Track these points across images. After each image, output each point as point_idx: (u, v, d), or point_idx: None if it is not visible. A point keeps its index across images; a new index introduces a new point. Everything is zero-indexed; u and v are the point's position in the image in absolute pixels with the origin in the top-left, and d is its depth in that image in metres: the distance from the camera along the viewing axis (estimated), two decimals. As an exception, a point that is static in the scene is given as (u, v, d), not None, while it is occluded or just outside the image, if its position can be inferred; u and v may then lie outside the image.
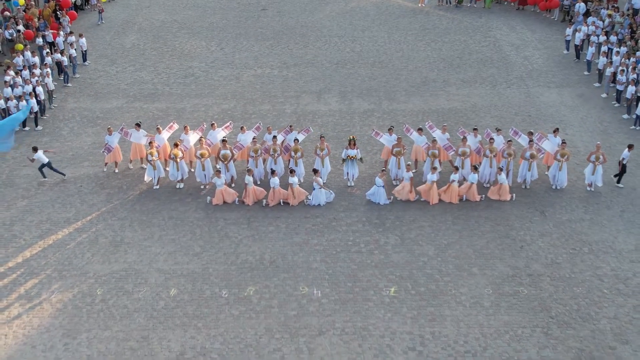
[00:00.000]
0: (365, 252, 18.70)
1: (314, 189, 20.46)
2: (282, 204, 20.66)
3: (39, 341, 15.82)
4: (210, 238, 19.31)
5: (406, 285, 17.49)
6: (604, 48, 29.03)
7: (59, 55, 28.86)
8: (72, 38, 30.40)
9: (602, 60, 27.92)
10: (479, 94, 27.94)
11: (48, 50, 29.78)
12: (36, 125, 25.35)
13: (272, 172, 20.59)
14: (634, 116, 24.95)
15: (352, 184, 21.67)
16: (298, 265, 18.22)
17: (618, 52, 27.92)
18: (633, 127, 24.86)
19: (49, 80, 26.65)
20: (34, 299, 17.09)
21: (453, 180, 20.48)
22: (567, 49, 31.49)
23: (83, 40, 30.50)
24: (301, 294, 17.21)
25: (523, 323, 16.24)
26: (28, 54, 28.62)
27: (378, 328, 16.11)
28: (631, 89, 25.17)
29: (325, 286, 17.46)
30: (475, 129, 22.08)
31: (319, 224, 19.91)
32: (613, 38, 30.07)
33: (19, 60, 27.97)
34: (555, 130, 22.05)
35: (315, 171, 20.51)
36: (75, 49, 29.70)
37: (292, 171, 20.43)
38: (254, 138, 21.76)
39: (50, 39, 31.09)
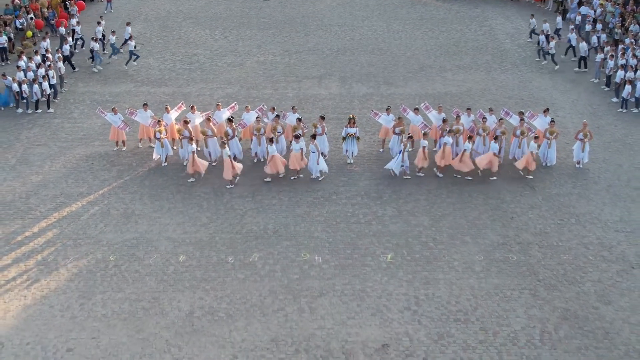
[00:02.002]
0: (364, 223, 19.72)
1: (312, 152, 21.37)
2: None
3: (56, 302, 16.83)
4: (217, 210, 20.34)
5: (402, 252, 18.51)
6: (593, 39, 30.04)
7: (94, 43, 29.88)
8: (100, 28, 31.46)
9: (583, 45, 29.02)
10: (474, 79, 28.98)
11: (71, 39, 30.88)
12: (48, 108, 26.38)
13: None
14: (621, 99, 25.97)
15: (352, 161, 22.69)
16: (300, 234, 19.24)
17: (607, 42, 28.98)
18: (620, 109, 25.88)
19: (60, 64, 27.68)
20: (50, 265, 18.11)
21: (465, 150, 21.49)
22: (559, 36, 32.47)
23: (100, 28, 31.45)
24: (303, 259, 18.23)
25: (512, 286, 17.25)
26: (48, 40, 29.60)
27: (375, 290, 17.12)
28: (620, 73, 26.17)
29: (326, 253, 18.48)
30: (468, 109, 23.13)
31: (320, 197, 20.94)
32: (599, 26, 31.10)
33: (44, 44, 29.09)
34: (546, 110, 23.06)
35: (313, 136, 21.38)
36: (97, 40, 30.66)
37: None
38: (257, 117, 22.76)
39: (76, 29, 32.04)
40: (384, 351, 15.24)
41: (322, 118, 22.55)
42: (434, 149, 22.64)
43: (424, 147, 21.38)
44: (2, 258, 18.34)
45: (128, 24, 31.81)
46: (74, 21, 32.55)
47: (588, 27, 31.27)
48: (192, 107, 23.38)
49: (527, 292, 17.01)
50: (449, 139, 21.56)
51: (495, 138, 21.40)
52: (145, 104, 23.59)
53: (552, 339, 15.52)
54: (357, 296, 16.92)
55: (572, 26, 31.59)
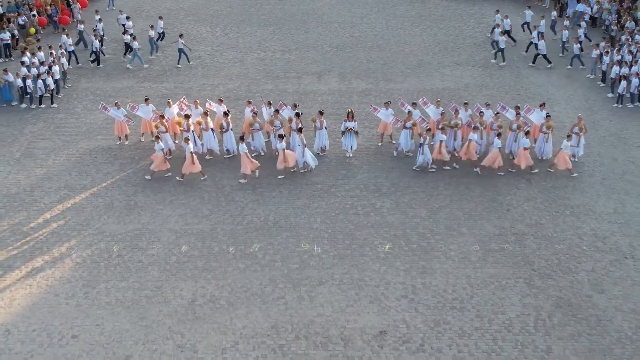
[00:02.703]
0: (362, 214, 20.09)
1: (298, 145, 21.67)
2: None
3: (61, 290, 17.21)
4: (218, 202, 20.71)
5: (400, 242, 18.88)
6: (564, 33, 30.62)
7: (129, 38, 30.43)
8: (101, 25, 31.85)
9: (542, 43, 29.55)
10: (471, 75, 29.36)
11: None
12: (52, 103, 26.74)
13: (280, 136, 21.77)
14: (617, 94, 26.33)
15: (351, 155, 23.05)
16: (300, 225, 19.61)
17: (604, 38, 29.37)
18: (616, 105, 26.26)
19: (63, 60, 28.06)
20: (55, 255, 18.49)
21: (470, 140, 21.83)
22: (555, 32, 32.87)
23: (100, 25, 31.76)
24: (302, 250, 18.60)
25: (507, 275, 17.62)
26: (64, 36, 30.11)
27: (373, 279, 17.49)
28: (615, 69, 26.53)
29: (325, 243, 18.85)
30: (465, 104, 23.49)
31: (319, 190, 21.30)
32: (583, 24, 31.64)
33: (66, 40, 29.65)
34: (542, 105, 23.41)
35: (300, 130, 21.68)
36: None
37: (281, 136, 21.60)
38: (254, 113, 23.09)
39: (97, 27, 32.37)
40: (381, 337, 15.61)
41: (321, 113, 22.90)
42: (431, 143, 23.05)
43: (441, 141, 21.75)
44: (8, 248, 18.72)
45: (160, 17, 32.68)
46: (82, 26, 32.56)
47: (583, 24, 31.61)
48: (195, 102, 23.76)
49: (522, 281, 17.38)
50: (442, 136, 21.88)
51: (527, 133, 21.65)
52: (147, 99, 23.97)
53: (546, 326, 15.89)
54: (355, 285, 17.30)
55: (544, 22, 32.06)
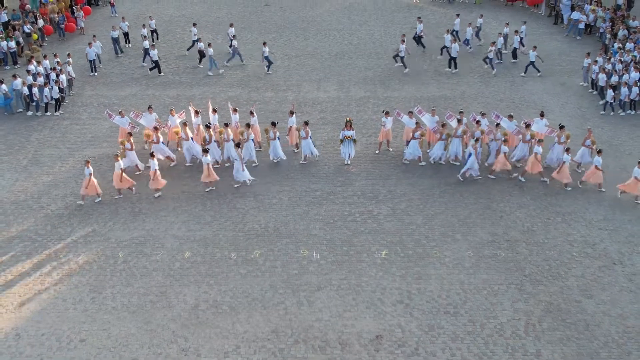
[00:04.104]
0: (360, 221, 20.71)
1: (235, 160, 22.07)
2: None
3: (69, 295, 17.84)
4: (220, 209, 21.33)
5: (396, 249, 19.50)
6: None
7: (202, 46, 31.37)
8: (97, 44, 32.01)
9: (455, 47, 30.58)
10: (467, 82, 29.98)
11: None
12: (56, 110, 27.37)
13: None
14: (604, 102, 26.97)
15: (349, 162, 23.68)
16: (299, 232, 20.23)
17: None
18: (603, 112, 26.91)
19: (70, 68, 28.73)
20: (62, 261, 19.12)
21: (505, 152, 22.31)
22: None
23: (97, 43, 32.02)
24: (302, 256, 19.22)
25: (499, 281, 18.25)
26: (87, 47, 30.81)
27: (370, 285, 18.12)
28: (602, 76, 27.23)
29: (324, 250, 19.47)
30: (461, 112, 24.10)
31: (318, 197, 21.93)
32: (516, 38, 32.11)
33: (91, 50, 30.39)
34: (541, 114, 24.00)
35: (237, 145, 22.09)
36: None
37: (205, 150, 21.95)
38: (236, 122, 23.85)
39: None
40: (377, 342, 16.24)
41: (306, 123, 23.46)
42: (428, 150, 23.71)
43: (504, 152, 22.23)
44: (16, 255, 19.36)
45: (231, 25, 33.39)
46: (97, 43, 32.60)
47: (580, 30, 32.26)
48: (196, 112, 24.40)
49: (513, 287, 18.00)
50: (505, 148, 22.27)
51: (567, 150, 21.90)
52: (150, 107, 24.61)
53: (536, 331, 16.52)
54: (352, 290, 17.92)
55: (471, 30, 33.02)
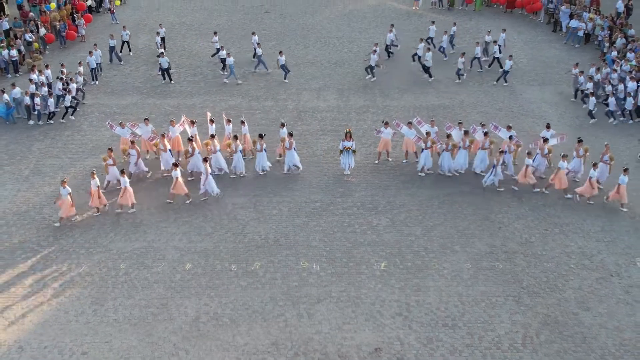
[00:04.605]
0: (359, 232, 20.89)
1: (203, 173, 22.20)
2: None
3: (71, 307, 18.01)
4: (220, 220, 21.51)
5: (395, 260, 19.68)
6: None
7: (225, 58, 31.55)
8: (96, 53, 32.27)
9: (429, 55, 30.93)
10: (466, 91, 30.17)
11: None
12: (62, 118, 27.63)
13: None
14: (588, 110, 27.34)
15: (348, 173, 23.86)
16: (299, 243, 20.40)
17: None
18: (593, 120, 27.16)
19: (80, 79, 29.08)
20: (64, 273, 19.29)
21: (560, 168, 22.28)
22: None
23: (98, 52, 32.20)
24: (302, 268, 19.39)
25: (497, 293, 18.42)
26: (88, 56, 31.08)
27: (369, 297, 18.29)
28: (589, 85, 27.79)
29: (323, 261, 19.65)
30: (460, 123, 24.29)
31: (318, 208, 22.11)
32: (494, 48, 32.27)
33: (92, 58, 30.71)
34: (547, 126, 24.22)
35: (205, 160, 22.19)
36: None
37: (175, 165, 22.13)
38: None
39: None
40: (376, 354, 16.42)
41: (290, 135, 23.62)
42: (415, 160, 23.94)
43: (527, 165, 22.35)
44: (19, 266, 19.54)
45: (254, 33, 33.64)
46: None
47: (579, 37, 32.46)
48: (192, 122, 24.62)
49: (511, 299, 18.18)
50: (529, 160, 22.42)
51: (594, 165, 21.90)
52: (146, 119, 24.81)
53: (533, 343, 16.70)
54: (352, 302, 18.09)
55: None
